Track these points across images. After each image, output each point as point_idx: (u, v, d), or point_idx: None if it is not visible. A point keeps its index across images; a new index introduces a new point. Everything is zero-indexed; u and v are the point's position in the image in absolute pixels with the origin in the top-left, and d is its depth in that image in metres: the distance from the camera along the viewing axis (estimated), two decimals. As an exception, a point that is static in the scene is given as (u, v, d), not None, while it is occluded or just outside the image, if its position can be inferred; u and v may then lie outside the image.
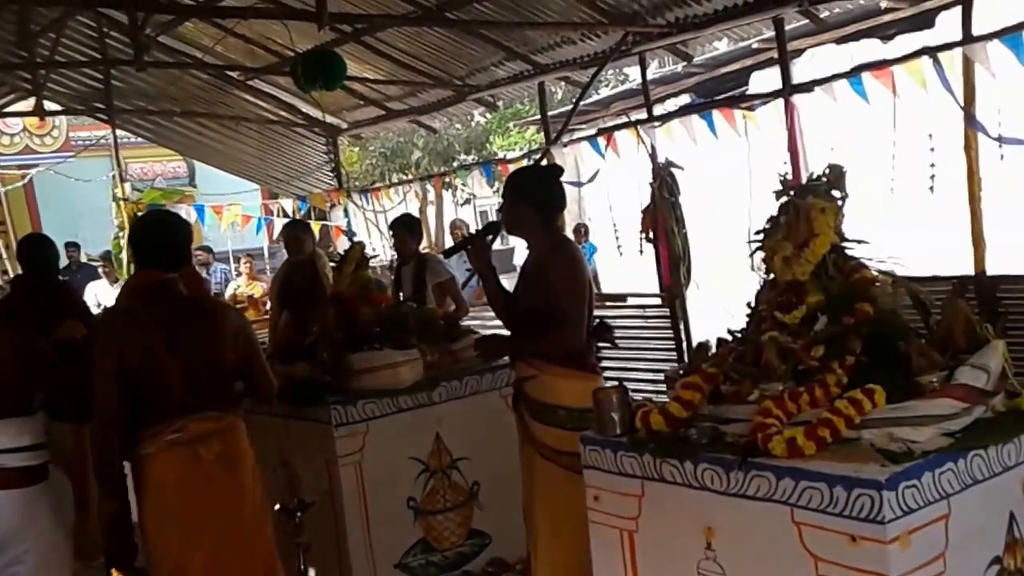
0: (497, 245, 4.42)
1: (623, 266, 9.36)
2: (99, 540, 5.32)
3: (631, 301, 7.73)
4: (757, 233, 3.43)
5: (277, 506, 4.57)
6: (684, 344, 7.00)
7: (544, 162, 8.14)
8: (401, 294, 6.52)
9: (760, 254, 3.41)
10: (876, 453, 2.70)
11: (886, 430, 2.76)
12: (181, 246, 3.84)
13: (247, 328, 3.96)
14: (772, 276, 3.39)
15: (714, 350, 3.50)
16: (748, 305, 3.50)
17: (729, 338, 3.48)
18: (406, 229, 6.76)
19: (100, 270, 11.02)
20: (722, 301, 4.73)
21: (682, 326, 6.96)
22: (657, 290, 7.31)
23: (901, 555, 2.57)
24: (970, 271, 5.62)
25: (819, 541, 2.69)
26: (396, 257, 7.07)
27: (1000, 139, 5.62)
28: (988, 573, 2.79)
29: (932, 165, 6.22)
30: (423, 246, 6.88)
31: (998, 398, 2.94)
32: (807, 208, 3.26)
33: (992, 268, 5.62)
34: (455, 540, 4.92)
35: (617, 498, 3.30)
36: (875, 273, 3.24)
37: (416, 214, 8.38)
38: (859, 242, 3.31)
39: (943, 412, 2.79)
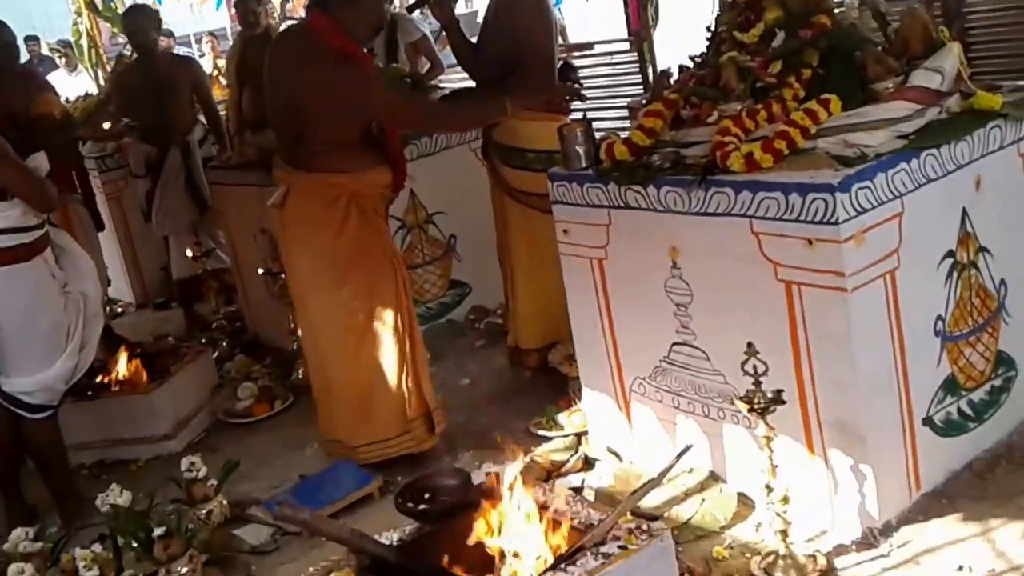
0: (461, 9, 4.32)
1: (590, 14, 9.14)
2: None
3: (599, 49, 7.59)
4: (717, -49, 3.36)
5: (261, 270, 4.71)
6: (654, 88, 6.92)
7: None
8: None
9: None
10: (831, 160, 2.76)
11: (841, 137, 2.81)
12: None
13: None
14: (732, -3, 3.34)
15: (676, 77, 3.50)
16: (708, 29, 3.46)
17: (690, 64, 3.47)
18: None
19: (58, 59, 10.71)
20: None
21: (650, 69, 6.88)
22: (625, 35, 7.16)
23: (856, 253, 2.67)
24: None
25: (778, 248, 2.79)
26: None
27: None
28: (941, 266, 2.92)
29: None
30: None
31: (953, 99, 2.97)
32: (768, -84, 3.17)
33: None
34: (437, 292, 5.09)
35: (585, 229, 3.38)
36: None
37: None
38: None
39: (897, 115, 2.82)
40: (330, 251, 3.69)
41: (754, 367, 2.75)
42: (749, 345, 2.75)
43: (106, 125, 5.41)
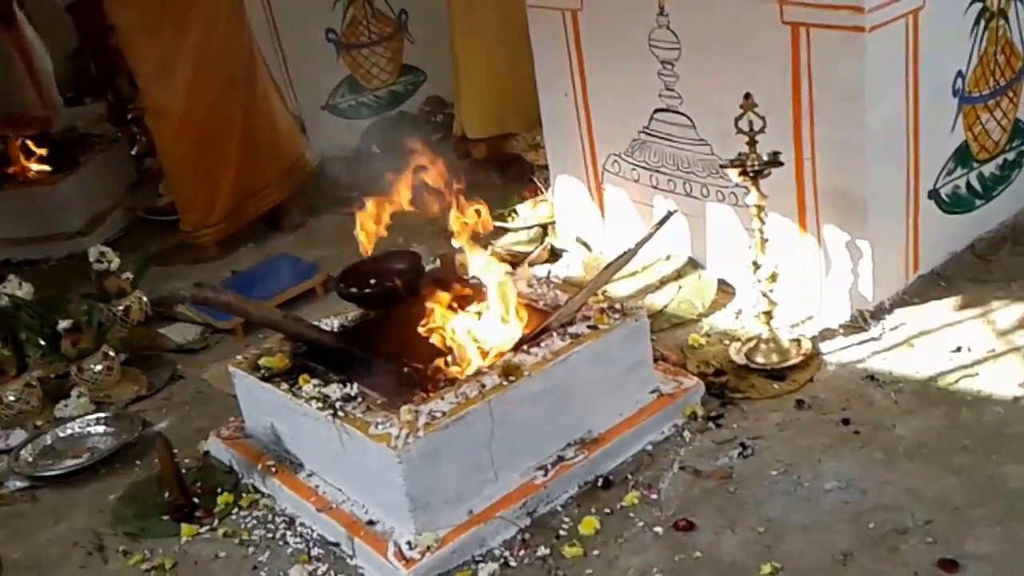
0: None
1: None
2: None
3: None
4: None
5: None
6: None
7: None
8: None
9: None
10: None
11: None
12: None
13: None
14: None
15: None
16: None
17: None
18: None
19: None
20: None
21: None
22: None
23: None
24: None
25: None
26: None
27: None
28: (969, 11, 2.58)
29: None
30: None
31: None
32: None
33: None
34: (386, 78, 4.67)
35: (557, -27, 3.01)
36: None
37: None
38: None
39: None
40: None
41: (750, 123, 2.42)
42: (747, 96, 2.40)
43: None
